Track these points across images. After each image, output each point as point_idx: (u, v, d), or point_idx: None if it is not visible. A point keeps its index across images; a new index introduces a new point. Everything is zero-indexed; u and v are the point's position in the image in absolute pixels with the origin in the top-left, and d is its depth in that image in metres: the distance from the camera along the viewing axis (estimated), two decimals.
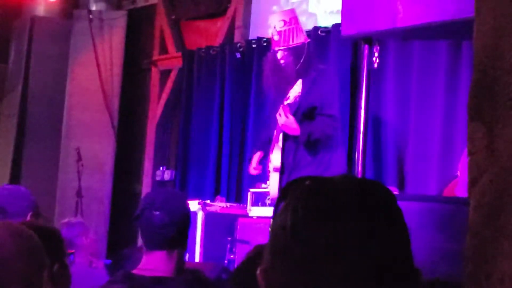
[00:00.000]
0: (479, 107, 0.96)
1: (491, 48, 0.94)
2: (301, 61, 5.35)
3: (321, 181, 1.19)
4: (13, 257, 1.82)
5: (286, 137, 5.47)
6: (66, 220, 5.66)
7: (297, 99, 5.33)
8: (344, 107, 6.41)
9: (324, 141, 5.38)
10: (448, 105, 6.02)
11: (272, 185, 5.52)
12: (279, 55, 5.44)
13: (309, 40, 5.51)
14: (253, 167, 5.84)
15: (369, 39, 4.46)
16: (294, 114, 5.38)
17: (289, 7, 7.86)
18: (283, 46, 5.39)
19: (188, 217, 3.05)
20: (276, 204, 1.21)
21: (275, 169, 5.48)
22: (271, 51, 5.62)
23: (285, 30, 5.35)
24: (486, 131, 0.94)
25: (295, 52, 5.35)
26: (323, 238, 1.12)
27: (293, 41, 5.36)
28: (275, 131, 5.55)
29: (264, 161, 5.85)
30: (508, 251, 0.90)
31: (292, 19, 5.42)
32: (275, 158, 5.47)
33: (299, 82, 5.30)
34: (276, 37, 5.43)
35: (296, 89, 5.30)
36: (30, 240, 1.89)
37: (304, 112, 5.40)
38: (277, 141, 5.53)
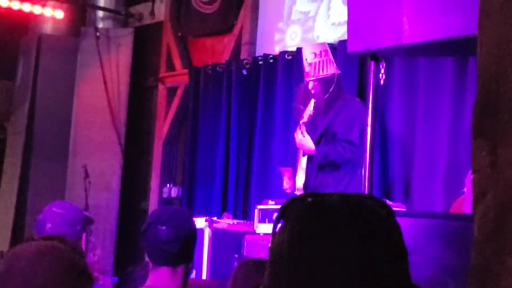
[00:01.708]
0: (482, 125, 0.96)
1: (495, 67, 0.94)
2: (330, 90, 5.65)
3: (318, 201, 1.20)
4: (54, 281, 1.86)
5: (309, 160, 5.70)
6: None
7: (310, 118, 5.62)
8: None
9: (343, 164, 5.63)
10: (454, 121, 6.02)
11: None
12: (310, 85, 5.78)
13: (339, 72, 5.77)
14: (285, 184, 6.11)
15: (375, 56, 4.47)
16: (317, 139, 5.67)
17: (294, 25, 7.92)
18: (313, 77, 5.72)
19: (194, 234, 3.05)
20: (275, 222, 1.22)
21: (299, 190, 5.69)
22: (304, 82, 5.91)
23: (315, 62, 5.71)
24: (490, 149, 0.94)
25: (324, 82, 5.67)
26: (316, 258, 1.14)
27: (323, 72, 5.69)
28: (300, 154, 5.77)
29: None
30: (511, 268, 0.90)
31: (322, 51, 5.82)
32: (299, 180, 5.70)
33: (312, 101, 5.59)
34: (307, 69, 5.80)
35: (309, 109, 5.60)
36: (71, 264, 1.93)
37: (326, 137, 5.67)
38: (300, 163, 5.77)
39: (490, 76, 0.95)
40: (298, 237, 1.16)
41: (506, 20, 0.95)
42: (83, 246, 3.71)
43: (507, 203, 0.91)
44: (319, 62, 5.74)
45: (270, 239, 1.21)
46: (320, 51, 5.80)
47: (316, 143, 5.71)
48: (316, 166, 5.68)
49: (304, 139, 5.62)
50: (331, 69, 5.74)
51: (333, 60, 5.83)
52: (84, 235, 3.71)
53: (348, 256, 1.14)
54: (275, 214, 1.26)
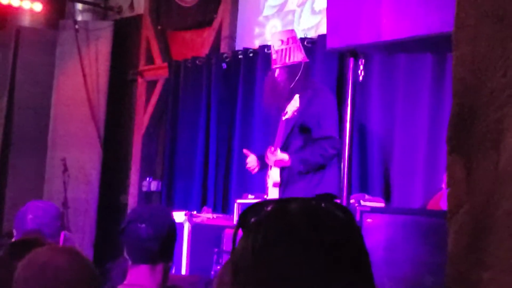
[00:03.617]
0: (457, 139, 0.98)
1: (469, 80, 0.95)
2: (296, 79, 5.50)
3: (278, 208, 1.22)
4: (75, 283, 1.92)
5: (282, 170, 5.62)
6: None
7: (295, 113, 5.47)
8: None
9: (328, 162, 5.55)
10: (433, 117, 6.05)
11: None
12: (276, 73, 5.63)
13: (307, 60, 5.66)
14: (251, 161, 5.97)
15: (355, 52, 4.48)
16: (291, 130, 5.54)
17: (275, 19, 7.92)
18: (279, 65, 5.58)
19: (173, 231, 3.05)
20: (235, 229, 1.24)
21: (275, 185, 5.61)
22: (271, 69, 5.77)
23: (282, 49, 5.57)
24: (465, 163, 0.95)
25: (291, 70, 5.52)
26: (283, 263, 1.17)
27: (289, 59, 5.55)
28: (272, 147, 5.64)
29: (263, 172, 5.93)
30: (487, 283, 0.91)
31: (290, 39, 5.64)
32: (274, 174, 5.59)
33: (297, 97, 5.44)
34: (274, 56, 5.66)
35: (293, 104, 5.45)
36: (88, 267, 2.00)
37: (300, 127, 5.55)
38: (270, 180, 5.67)
39: (465, 90, 0.96)
40: (263, 243, 1.19)
41: (481, 34, 0.96)
42: (61, 242, 3.71)
43: (482, 217, 0.92)
44: (286, 49, 5.59)
45: (232, 247, 1.24)
46: (288, 38, 5.66)
47: (288, 135, 5.61)
48: (295, 173, 5.57)
49: (277, 157, 5.49)
50: (298, 57, 5.60)
51: (301, 48, 5.71)
52: (62, 234, 3.71)
53: (313, 259, 1.16)
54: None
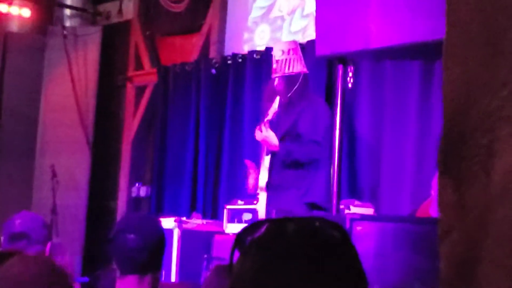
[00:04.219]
0: (447, 162, 0.98)
1: (459, 103, 0.95)
2: (294, 88, 5.61)
3: (273, 228, 1.23)
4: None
5: (272, 157, 5.65)
6: None
7: (274, 115, 5.60)
8: None
9: (307, 164, 5.60)
10: (421, 123, 6.07)
11: (260, 204, 5.70)
12: (275, 82, 5.75)
13: (306, 71, 5.76)
14: (251, 179, 6.04)
15: (344, 59, 4.50)
16: (282, 138, 5.62)
17: (263, 24, 7.93)
18: (279, 74, 5.71)
19: (162, 242, 3.04)
20: (231, 250, 1.25)
21: (261, 189, 5.66)
22: (270, 78, 5.90)
23: (282, 59, 5.69)
24: (455, 187, 0.96)
25: (289, 80, 5.63)
26: (281, 285, 1.17)
27: (289, 70, 5.68)
28: (263, 153, 5.71)
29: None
30: None
31: (291, 50, 5.78)
32: (262, 178, 5.66)
33: (277, 99, 5.57)
34: (274, 65, 5.76)
35: (274, 106, 5.57)
36: (62, 277, 2.02)
37: (290, 137, 5.63)
38: (263, 162, 5.72)
39: (455, 112, 0.96)
40: (260, 265, 1.20)
41: (470, 57, 0.97)
42: (47, 252, 3.71)
43: (472, 245, 0.92)
44: (286, 59, 5.74)
45: (229, 267, 1.24)
46: (289, 49, 5.80)
47: (279, 141, 5.70)
48: (279, 163, 5.65)
49: (268, 135, 5.61)
50: (297, 68, 5.73)
51: (302, 59, 5.83)
52: (49, 243, 3.72)
53: (310, 281, 1.17)
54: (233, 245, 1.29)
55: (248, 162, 6.00)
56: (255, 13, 8.07)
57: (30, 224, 3.66)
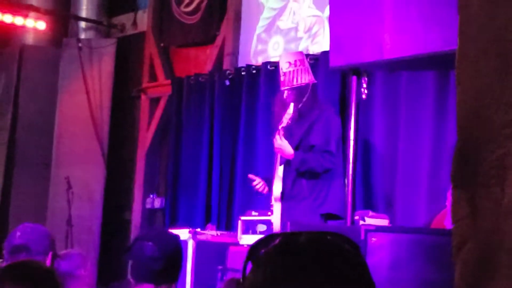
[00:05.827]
0: (462, 175, 0.98)
1: (473, 117, 0.96)
2: (304, 100, 5.62)
3: (286, 243, 1.24)
4: None
5: (286, 167, 5.66)
6: (64, 251, 5.62)
7: (290, 121, 5.62)
8: None
9: (322, 174, 5.61)
10: (436, 134, 6.05)
11: (275, 216, 5.70)
12: (285, 94, 5.78)
13: (314, 81, 5.77)
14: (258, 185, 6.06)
15: (358, 70, 4.50)
16: (295, 148, 5.64)
17: (277, 36, 7.94)
18: (287, 86, 5.72)
19: (179, 254, 3.05)
20: (244, 263, 1.26)
21: (276, 199, 5.66)
22: (279, 91, 5.92)
23: (289, 71, 5.70)
24: (469, 200, 0.96)
25: (298, 91, 5.65)
26: None
27: (297, 81, 5.69)
28: (277, 164, 5.73)
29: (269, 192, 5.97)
30: None
31: (297, 61, 5.79)
32: (276, 189, 5.67)
33: (291, 105, 5.59)
34: (282, 78, 5.75)
35: (288, 112, 5.62)
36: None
37: (303, 148, 5.65)
38: (277, 171, 5.74)
39: (469, 126, 0.97)
40: (272, 278, 1.21)
41: (481, 71, 0.97)
42: (48, 263, 3.73)
43: (487, 254, 0.92)
44: (294, 71, 5.74)
45: (242, 279, 1.25)
46: (295, 60, 5.79)
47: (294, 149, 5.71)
48: (293, 173, 5.66)
49: (283, 144, 5.62)
50: (305, 79, 5.73)
51: (309, 69, 5.83)
52: (50, 253, 3.74)
53: None
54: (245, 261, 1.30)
55: (251, 177, 6.02)
56: (268, 24, 8.08)
57: (30, 236, 3.69)
